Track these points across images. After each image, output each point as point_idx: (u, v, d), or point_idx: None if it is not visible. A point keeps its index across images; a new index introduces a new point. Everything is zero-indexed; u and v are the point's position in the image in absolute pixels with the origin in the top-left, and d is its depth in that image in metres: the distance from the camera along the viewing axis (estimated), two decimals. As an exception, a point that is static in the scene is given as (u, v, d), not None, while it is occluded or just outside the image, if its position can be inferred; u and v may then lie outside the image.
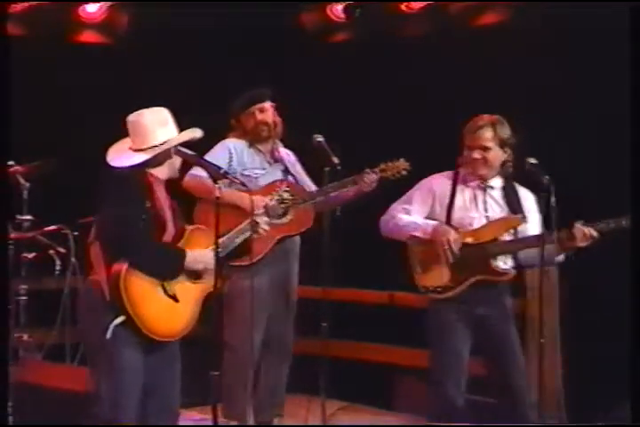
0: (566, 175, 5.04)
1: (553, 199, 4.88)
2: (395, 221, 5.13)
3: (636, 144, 4.93)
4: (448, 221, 5.09)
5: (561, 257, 5.04)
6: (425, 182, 5.20)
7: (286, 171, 5.91)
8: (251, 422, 5.91)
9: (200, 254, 4.46)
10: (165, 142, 4.46)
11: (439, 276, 5.05)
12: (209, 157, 5.46)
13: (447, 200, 5.11)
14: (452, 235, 5.01)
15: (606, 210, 5.24)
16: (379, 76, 7.29)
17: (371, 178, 5.64)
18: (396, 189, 6.25)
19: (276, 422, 5.95)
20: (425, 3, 7.21)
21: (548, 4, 6.26)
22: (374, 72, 7.35)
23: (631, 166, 4.96)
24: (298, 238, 5.90)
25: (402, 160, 5.71)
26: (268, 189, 5.66)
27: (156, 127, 4.46)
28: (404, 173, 5.69)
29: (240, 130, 5.86)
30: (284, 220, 5.70)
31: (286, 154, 5.99)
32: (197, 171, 5.42)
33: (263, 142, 5.86)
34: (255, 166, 5.79)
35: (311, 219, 5.76)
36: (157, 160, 4.49)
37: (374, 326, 7.03)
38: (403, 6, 7.30)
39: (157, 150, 4.45)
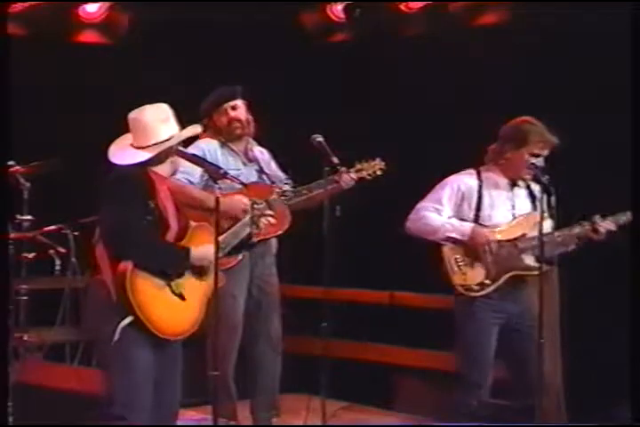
0: (565, 175, 5.05)
1: (553, 199, 4.90)
2: (426, 222, 5.16)
3: (636, 144, 4.93)
4: (476, 219, 5.17)
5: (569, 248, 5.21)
6: (452, 181, 5.24)
7: (261, 171, 5.83)
8: (249, 422, 5.92)
9: (205, 250, 4.42)
10: (169, 139, 4.41)
11: (475, 274, 5.14)
12: None
13: (475, 199, 5.18)
14: (490, 236, 5.11)
15: (606, 210, 5.25)
16: (379, 76, 7.28)
17: (346, 179, 5.61)
18: (396, 189, 6.28)
19: (274, 421, 5.94)
20: (424, 2, 7.20)
21: (547, 5, 6.26)
22: (374, 72, 7.35)
23: (632, 167, 4.97)
24: (274, 239, 5.85)
25: (377, 160, 5.74)
26: (250, 190, 5.53)
27: (158, 124, 4.40)
28: (379, 172, 5.72)
29: (212, 129, 5.76)
30: None
31: (260, 152, 5.91)
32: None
33: (236, 141, 5.78)
34: (230, 167, 5.52)
35: (288, 220, 5.69)
36: (160, 158, 4.43)
37: (374, 326, 7.03)
38: (402, 6, 7.29)
39: (161, 147, 4.40)
